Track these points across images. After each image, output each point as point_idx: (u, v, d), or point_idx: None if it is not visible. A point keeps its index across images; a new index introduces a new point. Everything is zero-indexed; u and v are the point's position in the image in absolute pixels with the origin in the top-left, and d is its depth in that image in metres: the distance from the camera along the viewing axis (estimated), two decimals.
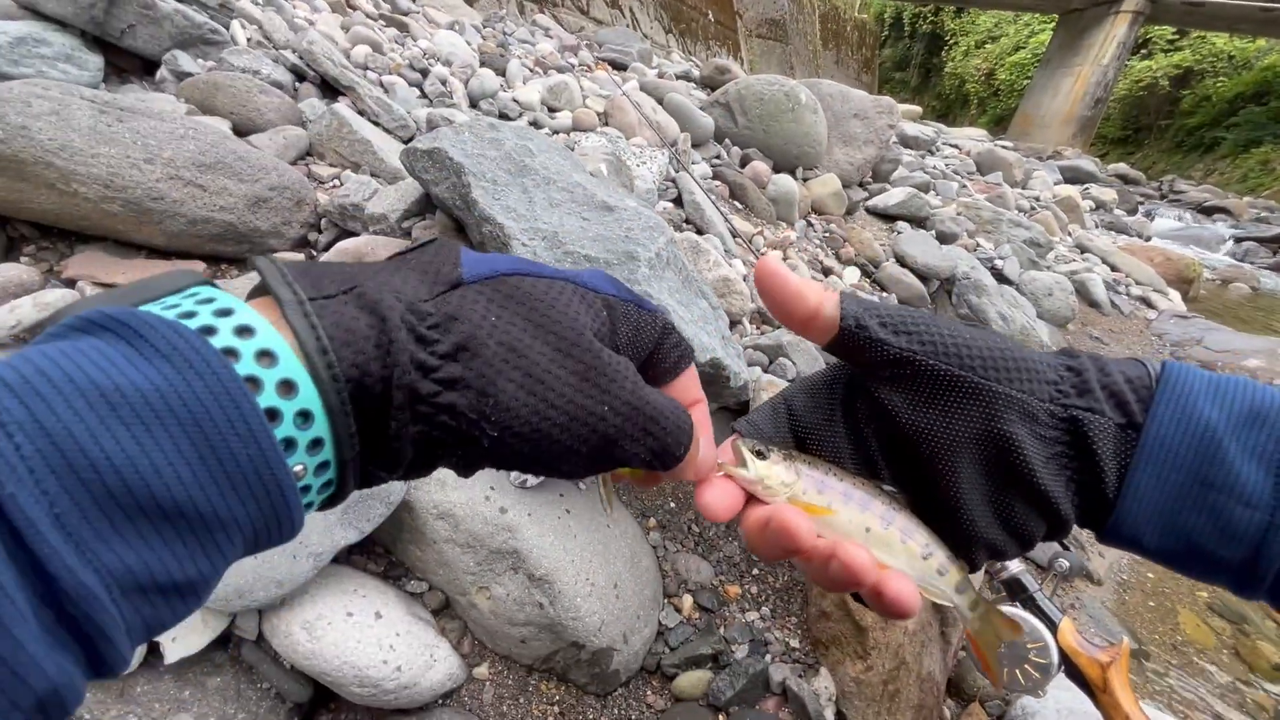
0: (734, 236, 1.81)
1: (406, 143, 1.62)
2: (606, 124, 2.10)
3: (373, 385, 0.20)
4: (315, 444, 0.20)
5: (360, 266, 0.23)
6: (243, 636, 0.69)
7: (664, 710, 0.83)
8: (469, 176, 0.94)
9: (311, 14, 1.99)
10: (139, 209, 1.03)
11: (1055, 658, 0.66)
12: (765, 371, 1.14)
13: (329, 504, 0.22)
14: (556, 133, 1.94)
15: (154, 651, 0.64)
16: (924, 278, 2.25)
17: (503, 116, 1.91)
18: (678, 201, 1.86)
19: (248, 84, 1.37)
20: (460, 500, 0.79)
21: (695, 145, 2.38)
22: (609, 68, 2.91)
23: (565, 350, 0.23)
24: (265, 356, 0.19)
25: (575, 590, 0.80)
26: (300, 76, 1.59)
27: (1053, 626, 0.68)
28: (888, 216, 2.78)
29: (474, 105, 1.93)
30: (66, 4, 1.22)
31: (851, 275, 2.06)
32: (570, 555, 0.82)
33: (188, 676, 0.65)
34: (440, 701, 0.77)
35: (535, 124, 1.95)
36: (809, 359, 1.21)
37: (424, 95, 1.87)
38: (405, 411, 0.21)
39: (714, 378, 0.88)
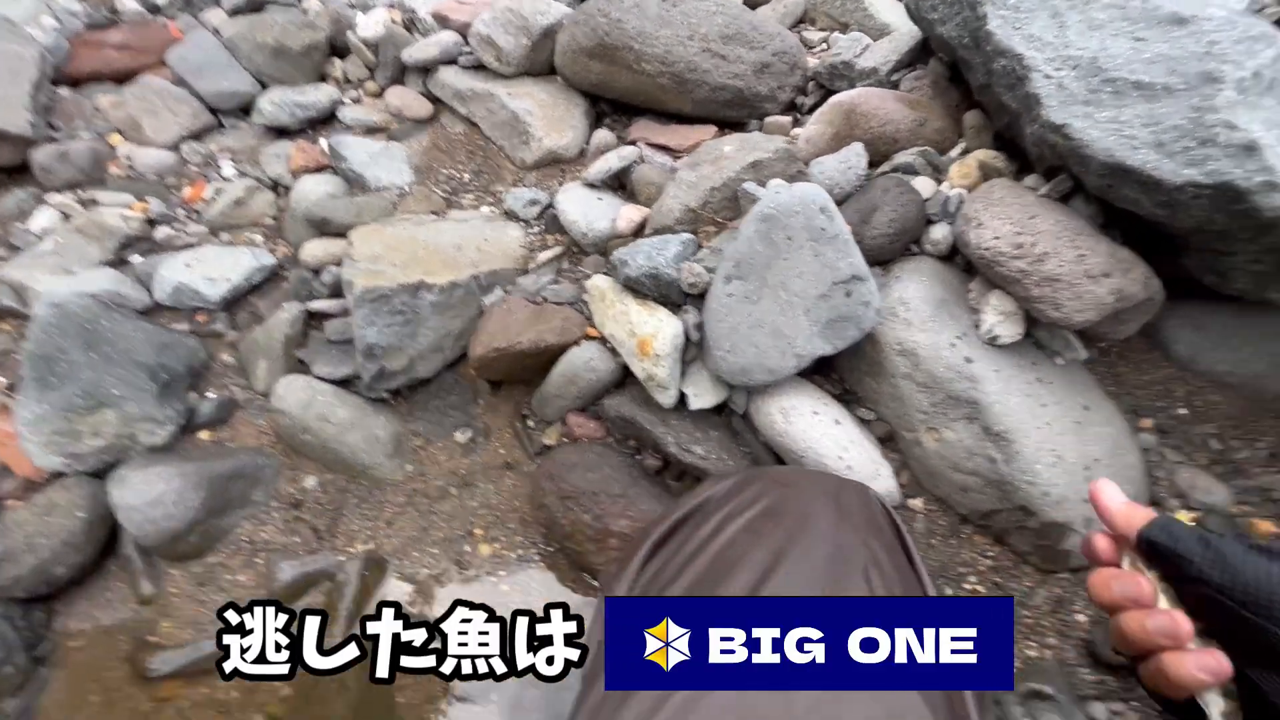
0: None
1: None
2: None
3: None
4: None
5: None
6: (734, 410, 0.90)
7: None
8: (986, 7, 0.86)
9: None
10: (679, 80, 1.28)
11: None
12: None
13: None
14: None
15: (683, 400, 0.88)
16: None
17: None
18: None
19: None
20: (925, 341, 0.81)
21: None
22: None
23: None
24: None
25: (1036, 456, 0.76)
26: None
27: None
28: None
29: None
30: None
31: None
32: (1036, 421, 0.77)
33: (700, 423, 0.89)
34: None
35: None
36: None
37: None
38: None
39: None
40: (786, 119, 1.32)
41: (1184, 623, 0.29)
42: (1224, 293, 0.83)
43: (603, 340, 0.95)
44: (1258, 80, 0.66)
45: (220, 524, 0.95)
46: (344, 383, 1.06)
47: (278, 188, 1.37)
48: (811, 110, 1.34)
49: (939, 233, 0.91)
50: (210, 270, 1.16)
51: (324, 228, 1.21)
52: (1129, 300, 0.74)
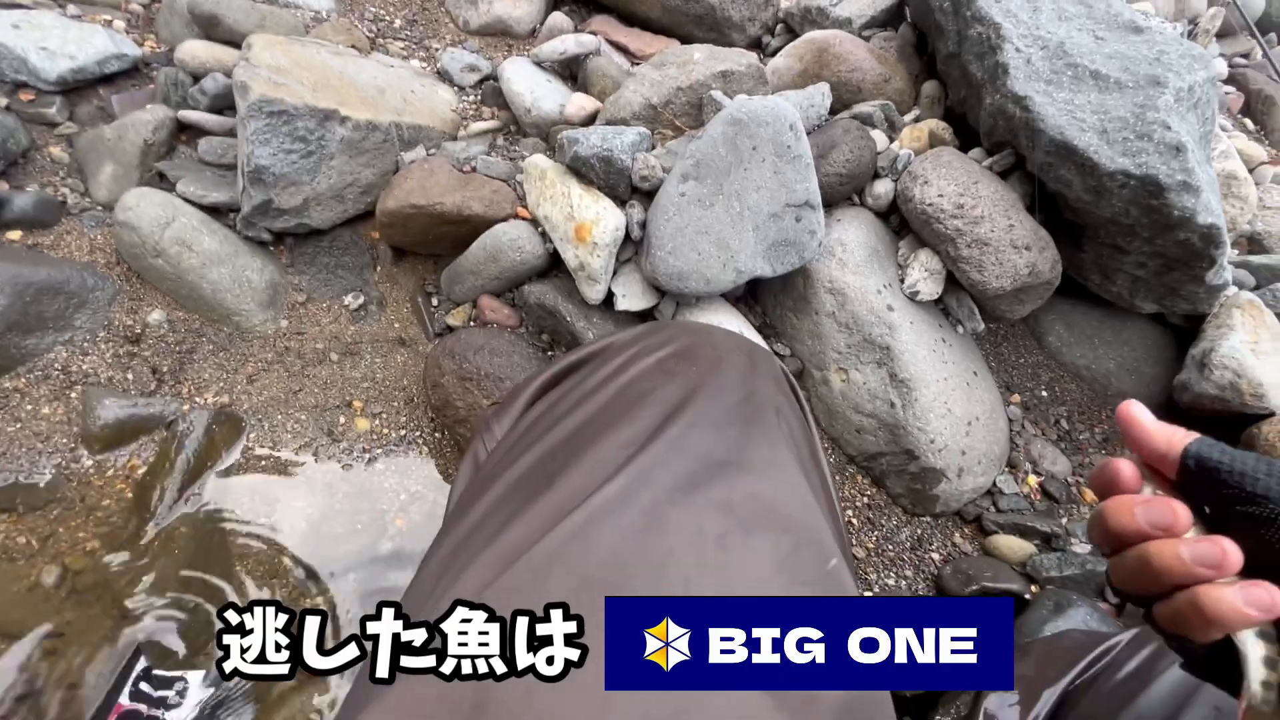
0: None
1: None
2: None
3: None
4: None
5: None
6: (659, 318, 0.87)
7: (969, 554, 0.83)
8: None
9: None
10: None
11: None
12: (1248, 290, 0.90)
13: None
14: None
15: (609, 299, 0.83)
16: None
17: None
18: None
19: None
20: (855, 284, 0.83)
21: (1220, 35, 1.79)
22: None
23: None
24: None
25: (931, 406, 0.81)
26: None
27: None
28: None
29: None
30: None
31: None
32: (938, 375, 0.82)
33: (622, 326, 0.85)
34: None
35: None
36: None
37: None
38: None
39: (1199, 253, 0.73)
40: (753, 55, 1.28)
41: (1233, 550, 0.25)
42: (1102, 295, 0.93)
43: (534, 223, 0.87)
44: (1190, 94, 0.72)
45: (24, 343, 0.78)
46: (216, 211, 0.89)
47: None
48: (776, 53, 1.32)
49: (881, 188, 0.93)
50: (48, 41, 0.93)
51: (211, 28, 1.00)
52: (1038, 277, 0.80)
